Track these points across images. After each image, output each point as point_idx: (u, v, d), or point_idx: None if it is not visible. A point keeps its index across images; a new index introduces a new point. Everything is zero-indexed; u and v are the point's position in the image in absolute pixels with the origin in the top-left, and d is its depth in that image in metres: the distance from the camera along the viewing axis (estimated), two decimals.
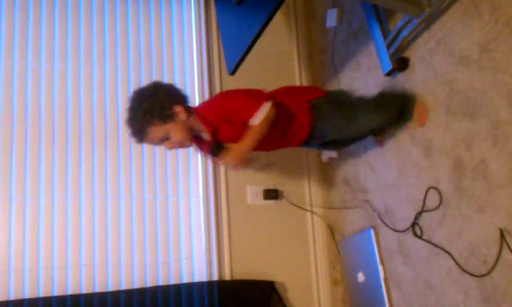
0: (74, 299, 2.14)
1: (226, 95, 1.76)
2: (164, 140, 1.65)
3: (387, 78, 2.17)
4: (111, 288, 2.24)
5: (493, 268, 1.62)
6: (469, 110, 1.72)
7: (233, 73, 2.05)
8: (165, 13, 2.69)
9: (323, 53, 2.78)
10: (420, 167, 1.96)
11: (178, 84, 2.54)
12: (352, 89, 2.44)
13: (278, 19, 2.89)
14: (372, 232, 2.24)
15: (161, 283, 2.33)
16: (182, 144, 1.71)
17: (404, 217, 2.05)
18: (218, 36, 2.69)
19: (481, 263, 1.67)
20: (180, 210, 2.47)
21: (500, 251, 1.59)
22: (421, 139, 1.96)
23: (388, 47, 2.08)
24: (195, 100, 2.61)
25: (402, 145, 2.08)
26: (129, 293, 2.22)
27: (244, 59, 1.92)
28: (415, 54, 2.01)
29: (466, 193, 1.74)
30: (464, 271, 1.74)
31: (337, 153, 2.56)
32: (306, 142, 1.89)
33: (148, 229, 2.39)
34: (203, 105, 1.84)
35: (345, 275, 2.45)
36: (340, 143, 2.09)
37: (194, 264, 2.43)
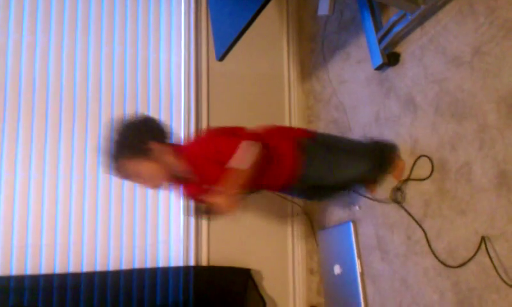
0: (48, 278, 2.11)
1: (214, 133, 1.72)
2: (135, 176, 1.56)
3: (376, 72, 2.14)
4: (85, 269, 2.21)
5: (466, 267, 1.64)
6: (457, 111, 1.71)
7: (221, 59, 2.00)
8: None
9: (313, 41, 2.74)
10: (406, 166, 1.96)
11: (164, 64, 2.50)
12: (340, 79, 2.42)
13: (270, 4, 2.82)
14: (352, 226, 2.24)
15: (137, 266, 2.30)
16: (154, 184, 1.61)
17: (385, 210, 2.05)
18: (208, 22, 2.62)
19: (458, 265, 1.68)
20: (160, 193, 2.42)
21: (476, 253, 1.60)
22: (407, 137, 1.95)
23: (380, 40, 2.05)
24: (181, 84, 2.54)
25: None
26: (104, 275, 2.19)
27: (234, 46, 1.88)
28: (406, 49, 1.98)
29: (448, 195, 1.74)
30: (441, 262, 1.75)
31: None
32: (288, 185, 1.81)
33: (126, 212, 2.34)
34: (190, 142, 1.74)
35: (322, 266, 2.45)
36: (321, 192, 2.03)
37: (171, 248, 2.40)
